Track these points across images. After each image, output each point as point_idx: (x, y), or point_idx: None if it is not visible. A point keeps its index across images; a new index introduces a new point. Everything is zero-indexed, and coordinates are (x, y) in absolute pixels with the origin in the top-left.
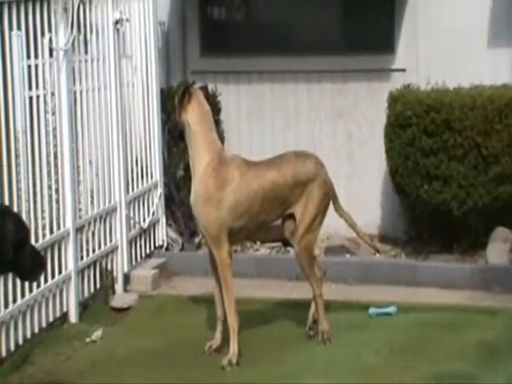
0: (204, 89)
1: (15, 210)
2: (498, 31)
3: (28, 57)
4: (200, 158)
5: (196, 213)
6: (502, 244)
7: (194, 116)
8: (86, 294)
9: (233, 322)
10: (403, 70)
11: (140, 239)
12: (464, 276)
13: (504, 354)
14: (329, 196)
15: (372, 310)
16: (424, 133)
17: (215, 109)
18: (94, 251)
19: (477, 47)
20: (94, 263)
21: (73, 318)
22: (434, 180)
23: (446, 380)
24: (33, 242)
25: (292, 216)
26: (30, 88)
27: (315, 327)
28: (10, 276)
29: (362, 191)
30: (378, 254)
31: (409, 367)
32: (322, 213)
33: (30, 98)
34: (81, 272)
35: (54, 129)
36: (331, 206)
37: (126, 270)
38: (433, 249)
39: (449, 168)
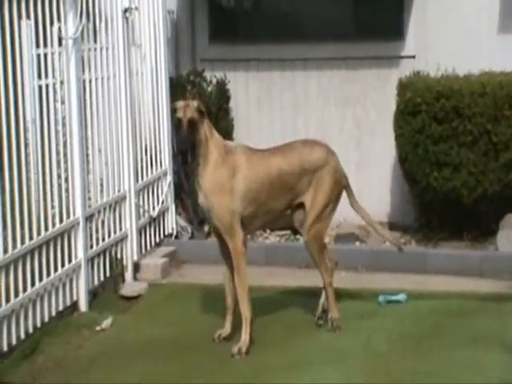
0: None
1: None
2: (508, 17)
3: (37, 46)
4: (209, 154)
5: (209, 206)
6: None
7: (207, 125)
8: (96, 282)
9: (245, 311)
10: (413, 57)
11: (149, 227)
12: (474, 263)
13: None
14: (340, 184)
15: (382, 298)
16: (434, 120)
17: (224, 97)
18: (103, 240)
19: (487, 33)
20: (104, 252)
21: (83, 306)
22: (444, 167)
23: (456, 367)
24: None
25: (302, 206)
26: (40, 77)
27: (324, 316)
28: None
29: (372, 179)
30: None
31: (419, 355)
32: (332, 201)
33: (40, 87)
34: (90, 261)
35: (64, 118)
36: (347, 201)
37: (135, 258)
38: (443, 236)
39: (459, 155)
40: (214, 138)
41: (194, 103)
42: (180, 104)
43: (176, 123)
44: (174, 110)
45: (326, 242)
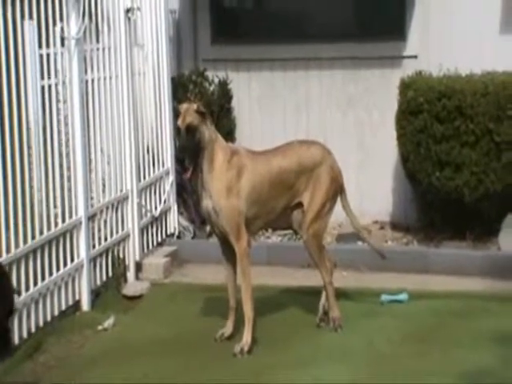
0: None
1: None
2: (510, 17)
3: (40, 46)
4: (214, 158)
5: (217, 209)
6: None
7: (212, 127)
8: (98, 282)
9: (249, 311)
10: (415, 57)
11: (152, 227)
12: (476, 263)
13: None
14: (337, 182)
15: (384, 298)
16: (436, 119)
17: (226, 96)
18: (105, 239)
19: (489, 33)
20: (106, 251)
21: (85, 306)
22: (446, 167)
23: (458, 367)
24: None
25: (300, 206)
26: (42, 77)
27: (326, 318)
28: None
29: (374, 178)
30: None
31: (421, 354)
32: (330, 200)
33: (42, 87)
34: (93, 260)
35: (66, 117)
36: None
37: (137, 258)
38: (445, 236)
39: (461, 154)
40: (219, 141)
41: (194, 105)
42: (181, 108)
43: (176, 130)
44: (178, 114)
45: (325, 243)
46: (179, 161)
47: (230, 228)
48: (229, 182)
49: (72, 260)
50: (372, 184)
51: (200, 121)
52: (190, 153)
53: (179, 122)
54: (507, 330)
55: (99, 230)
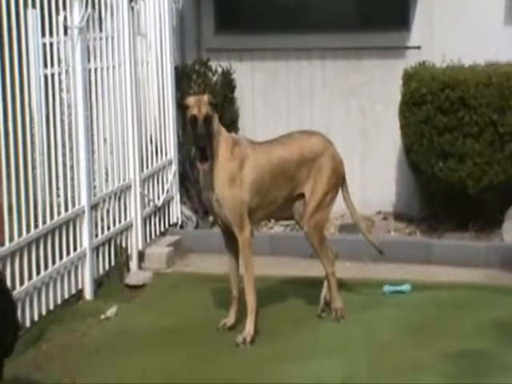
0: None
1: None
2: None
3: (43, 35)
4: (219, 148)
5: (221, 199)
6: None
7: (217, 119)
8: (101, 271)
9: (251, 301)
10: (418, 48)
11: (154, 217)
12: (479, 254)
13: None
14: (339, 172)
15: (386, 288)
16: (439, 110)
17: (229, 86)
18: (108, 229)
19: (493, 24)
20: (109, 241)
21: (88, 295)
22: (449, 158)
23: (461, 358)
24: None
25: (302, 197)
26: (45, 66)
27: (327, 309)
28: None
29: (377, 169)
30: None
31: (423, 345)
32: (332, 190)
33: (45, 76)
34: (96, 249)
35: (69, 107)
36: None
37: (140, 247)
38: (448, 227)
39: (464, 145)
40: (222, 132)
41: (205, 97)
42: (191, 100)
43: (191, 120)
44: (185, 107)
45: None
46: (200, 148)
47: (234, 218)
48: (232, 173)
49: (75, 249)
50: (375, 174)
51: (212, 113)
52: (207, 142)
53: (195, 112)
54: (510, 321)
55: (102, 220)
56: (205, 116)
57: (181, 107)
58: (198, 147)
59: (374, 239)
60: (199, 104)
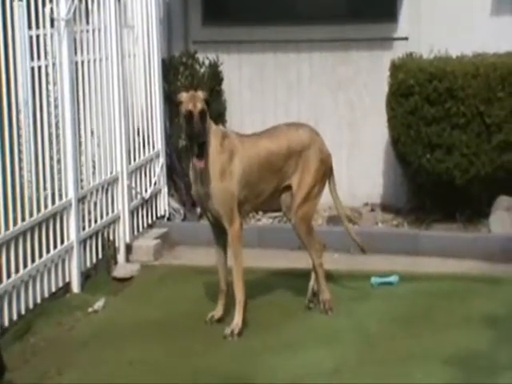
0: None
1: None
2: None
3: (29, 27)
4: (210, 141)
5: (211, 192)
6: (505, 213)
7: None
8: (89, 264)
9: (240, 293)
10: (405, 39)
11: (142, 209)
12: (466, 245)
13: (506, 323)
14: (326, 164)
15: (374, 280)
16: (426, 101)
17: (217, 78)
18: (95, 221)
19: (480, 15)
20: (96, 233)
21: (75, 288)
22: (437, 149)
23: (449, 349)
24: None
25: (289, 189)
26: (32, 59)
27: (315, 300)
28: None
29: (364, 161)
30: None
31: (411, 336)
32: (319, 182)
33: (32, 69)
34: (83, 242)
35: (56, 99)
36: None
37: (128, 240)
38: (435, 218)
39: (451, 137)
40: (212, 125)
41: (200, 94)
42: (185, 96)
43: (186, 115)
44: (178, 103)
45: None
46: (197, 144)
47: (224, 211)
48: (222, 166)
49: (62, 242)
50: (362, 166)
51: (207, 108)
52: (205, 138)
53: (190, 107)
54: (497, 312)
55: (89, 212)
56: (200, 112)
57: (174, 103)
58: (195, 143)
59: (357, 236)
60: (194, 100)
